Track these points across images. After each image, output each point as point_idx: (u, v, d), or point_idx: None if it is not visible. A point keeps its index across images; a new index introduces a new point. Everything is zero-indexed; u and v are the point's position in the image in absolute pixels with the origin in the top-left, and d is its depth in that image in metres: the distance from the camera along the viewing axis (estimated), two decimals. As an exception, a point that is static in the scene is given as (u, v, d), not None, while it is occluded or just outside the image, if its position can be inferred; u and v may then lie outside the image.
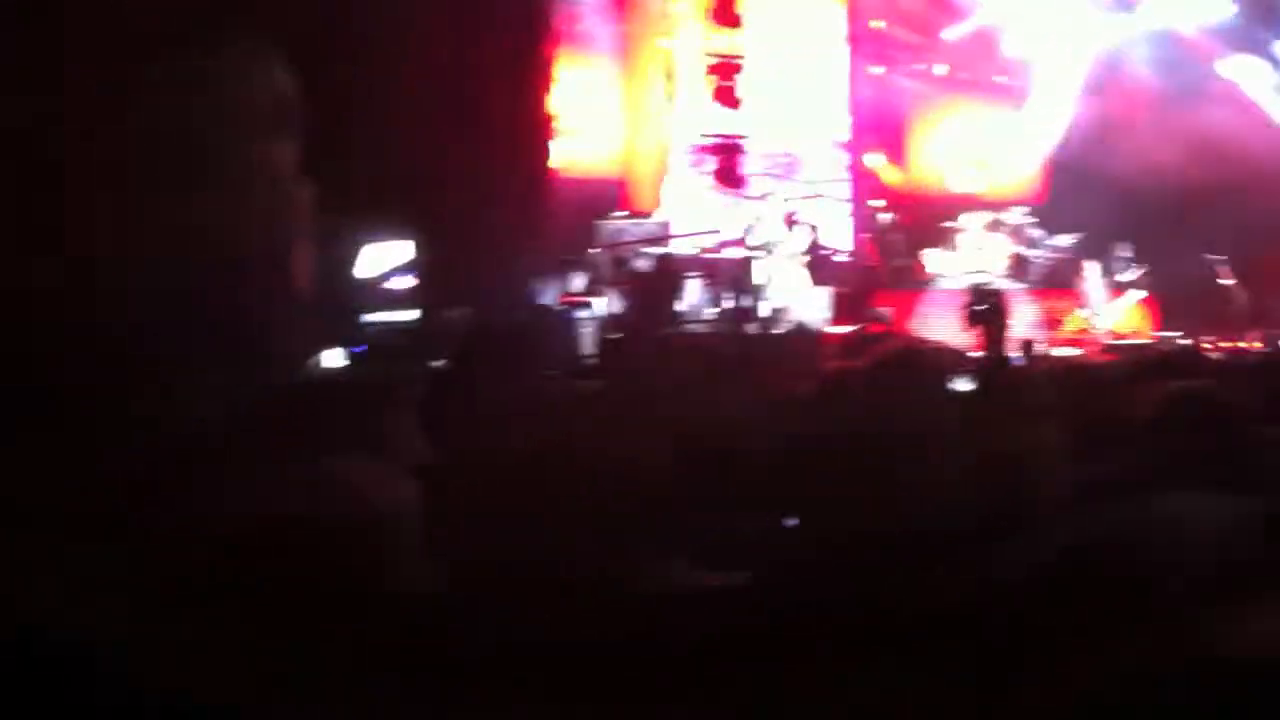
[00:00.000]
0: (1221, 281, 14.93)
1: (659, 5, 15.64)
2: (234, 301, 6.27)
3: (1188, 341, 13.66)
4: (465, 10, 11.35)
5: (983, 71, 18.91)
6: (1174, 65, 18.17)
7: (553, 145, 13.05)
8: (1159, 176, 16.29)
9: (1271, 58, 18.66)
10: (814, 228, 15.10)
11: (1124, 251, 15.71)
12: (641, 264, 13.30)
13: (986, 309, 2.91)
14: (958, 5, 18.63)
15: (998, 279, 15.66)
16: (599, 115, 15.19)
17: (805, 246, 14.70)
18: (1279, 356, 9.06)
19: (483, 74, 11.37)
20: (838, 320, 13.89)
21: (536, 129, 12.09)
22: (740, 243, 14.33)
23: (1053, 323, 15.04)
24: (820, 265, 14.85)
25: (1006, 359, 3.15)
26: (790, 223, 14.80)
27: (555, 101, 13.10)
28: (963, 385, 4.68)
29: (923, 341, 3.93)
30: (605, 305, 12.24)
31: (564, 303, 12.37)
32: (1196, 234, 15.15)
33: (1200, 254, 15.11)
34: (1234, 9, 18.42)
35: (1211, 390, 3.43)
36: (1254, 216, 16.06)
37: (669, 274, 12.65)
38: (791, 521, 3.10)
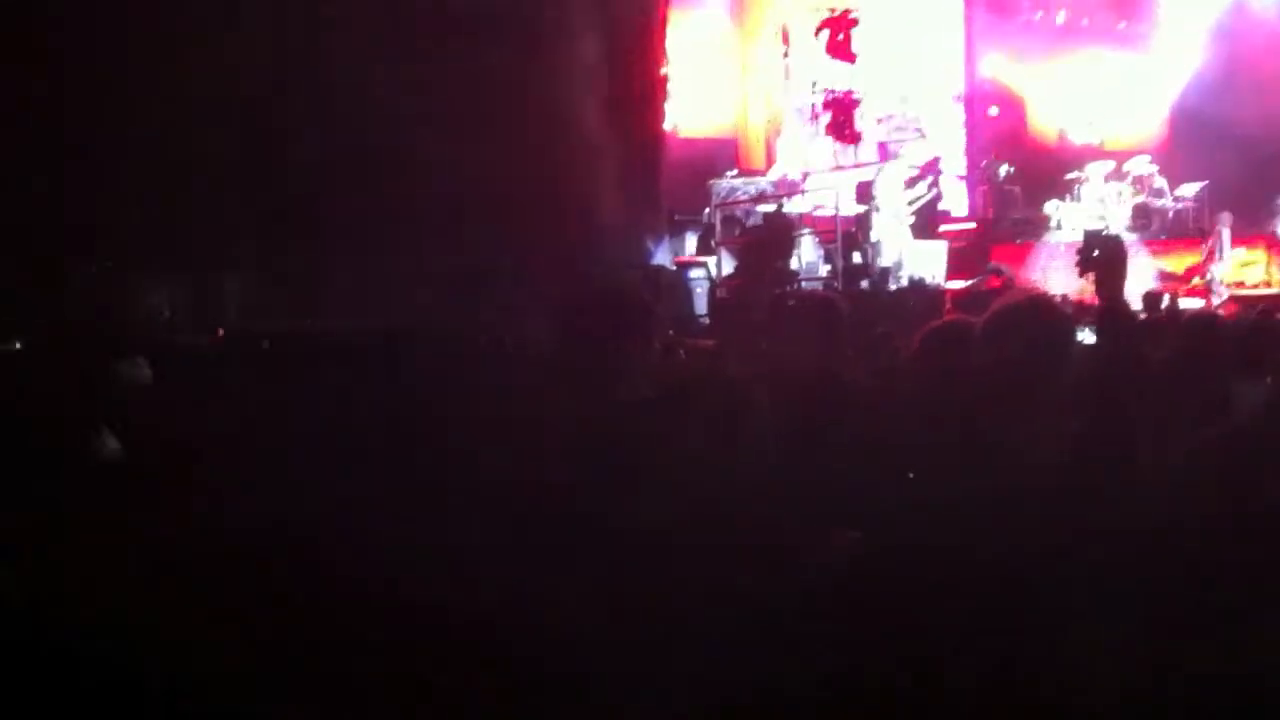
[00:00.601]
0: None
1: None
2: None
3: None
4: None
5: (1104, 19, 18.48)
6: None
7: (666, 105, 13.11)
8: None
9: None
10: (931, 183, 14.95)
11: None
12: (753, 222, 13.29)
13: (1099, 255, 2.86)
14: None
15: (1117, 228, 15.36)
16: (713, 74, 15.16)
17: (923, 203, 14.59)
18: None
19: (596, 37, 11.44)
20: (953, 275, 13.76)
21: (650, 89, 12.13)
22: (857, 199, 14.24)
23: (1179, 275, 14.68)
24: (936, 221, 14.71)
25: (1126, 308, 3.12)
26: (909, 180, 14.68)
27: (668, 61, 13.15)
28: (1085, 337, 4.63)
29: (1042, 294, 3.87)
30: (717, 265, 12.25)
31: (678, 264, 12.44)
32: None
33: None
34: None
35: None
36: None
37: (779, 231, 12.57)
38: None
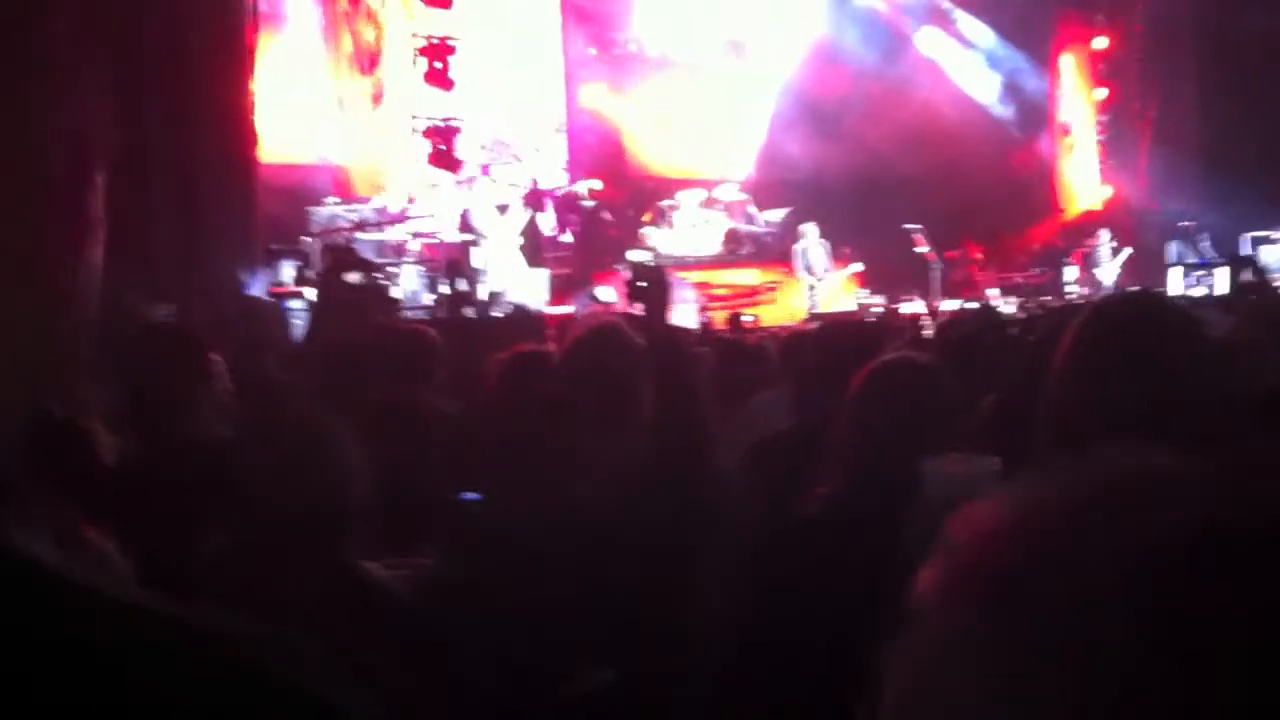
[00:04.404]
0: (918, 249, 15.69)
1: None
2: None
3: (884, 308, 14.35)
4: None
5: (697, 52, 19.33)
6: (878, 43, 19.06)
7: (258, 131, 12.59)
8: (865, 153, 17.06)
9: (957, 34, 19.84)
10: (533, 211, 15.12)
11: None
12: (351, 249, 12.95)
13: (646, 287, 2.96)
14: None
15: (710, 251, 16.12)
16: (310, 99, 14.73)
17: (522, 229, 14.72)
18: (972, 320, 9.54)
19: (182, 59, 10.86)
20: (556, 301, 13.96)
21: (239, 115, 11.61)
22: (460, 227, 14.20)
23: (757, 293, 15.50)
24: (538, 248, 14.87)
25: (677, 332, 3.24)
26: (508, 207, 14.79)
27: (259, 86, 12.65)
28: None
29: (615, 321, 3.94)
30: (316, 295, 11.82)
31: (273, 294, 11.95)
32: (899, 207, 15.90)
33: (900, 225, 15.82)
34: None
35: (906, 361, 3.47)
36: (953, 190, 17.06)
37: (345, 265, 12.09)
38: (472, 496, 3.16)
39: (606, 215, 16.25)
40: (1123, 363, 2.10)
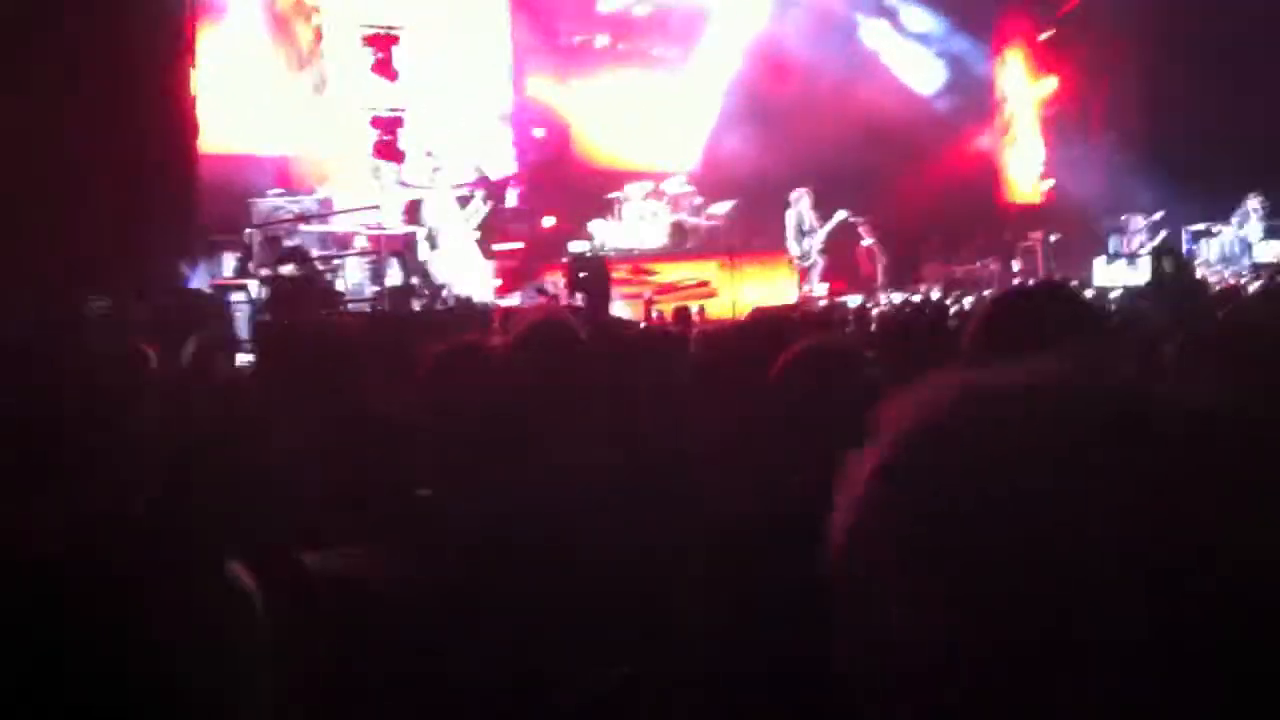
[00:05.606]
0: (864, 242, 15.76)
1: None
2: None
3: (829, 301, 14.41)
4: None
5: (641, 44, 19.32)
6: (822, 37, 19.13)
7: (199, 122, 12.44)
8: (812, 145, 17.10)
9: (896, 22, 19.99)
10: (486, 199, 15.09)
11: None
12: (297, 242, 12.82)
13: (586, 276, 2.96)
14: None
15: (656, 244, 16.12)
16: (252, 90, 14.54)
17: (476, 222, 14.69)
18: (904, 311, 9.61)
19: (119, 48, 10.71)
20: (503, 293, 13.92)
21: (178, 105, 11.47)
22: (406, 219, 14.11)
23: (704, 285, 15.50)
24: (490, 239, 14.84)
25: (615, 322, 3.24)
26: (461, 198, 14.74)
27: (200, 77, 12.50)
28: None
29: (558, 313, 3.93)
30: (259, 288, 11.71)
31: (216, 286, 11.82)
32: (844, 200, 15.96)
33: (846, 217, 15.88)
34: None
35: (827, 344, 3.52)
36: (899, 183, 17.17)
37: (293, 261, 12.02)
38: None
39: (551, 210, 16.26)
40: (1011, 349, 2.18)
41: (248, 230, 13.04)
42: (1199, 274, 13.40)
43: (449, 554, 2.74)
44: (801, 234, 15.78)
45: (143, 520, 1.92)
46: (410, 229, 13.88)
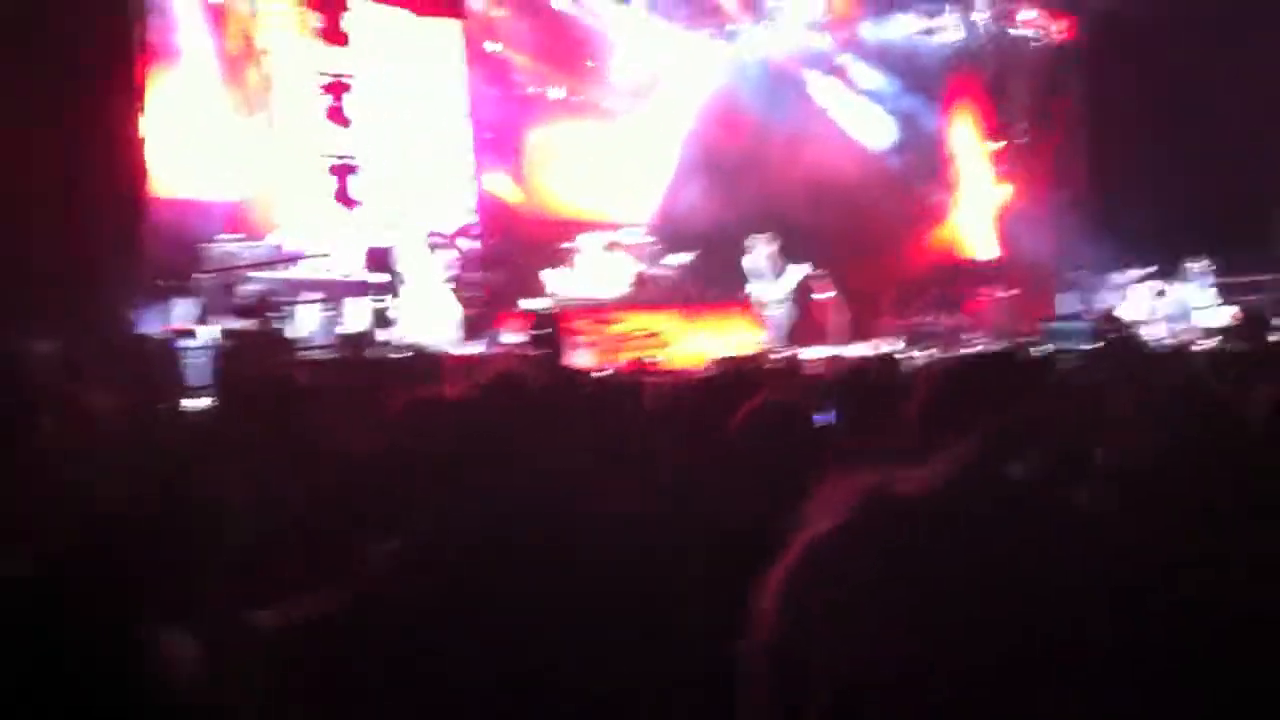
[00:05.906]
0: (817, 296, 15.83)
1: (250, 21, 14.95)
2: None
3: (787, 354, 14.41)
4: (49, 20, 10.58)
5: (599, 96, 19.45)
6: (776, 94, 19.36)
7: (149, 165, 12.33)
8: (767, 200, 17.24)
9: (847, 80, 20.26)
10: (452, 249, 15.16)
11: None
12: (252, 288, 12.72)
13: (548, 332, 2.98)
14: (576, 32, 19.10)
15: (615, 294, 16.13)
16: (206, 134, 14.43)
17: (441, 271, 14.75)
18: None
19: (67, 89, 10.62)
20: (465, 341, 13.92)
21: (127, 148, 11.36)
22: (370, 266, 14.10)
23: (657, 336, 15.45)
24: (454, 287, 14.88)
25: (571, 373, 3.30)
26: (422, 246, 14.77)
27: (150, 120, 12.40)
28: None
29: (514, 369, 3.95)
30: (213, 334, 11.57)
31: (167, 332, 11.66)
32: (801, 255, 16.05)
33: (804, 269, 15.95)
34: (820, 36, 19.92)
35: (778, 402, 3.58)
36: (853, 238, 17.34)
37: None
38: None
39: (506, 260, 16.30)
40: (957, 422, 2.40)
41: (197, 276, 12.91)
42: (1142, 334, 13.56)
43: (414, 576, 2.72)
44: (761, 278, 15.87)
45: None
46: (375, 277, 13.89)
